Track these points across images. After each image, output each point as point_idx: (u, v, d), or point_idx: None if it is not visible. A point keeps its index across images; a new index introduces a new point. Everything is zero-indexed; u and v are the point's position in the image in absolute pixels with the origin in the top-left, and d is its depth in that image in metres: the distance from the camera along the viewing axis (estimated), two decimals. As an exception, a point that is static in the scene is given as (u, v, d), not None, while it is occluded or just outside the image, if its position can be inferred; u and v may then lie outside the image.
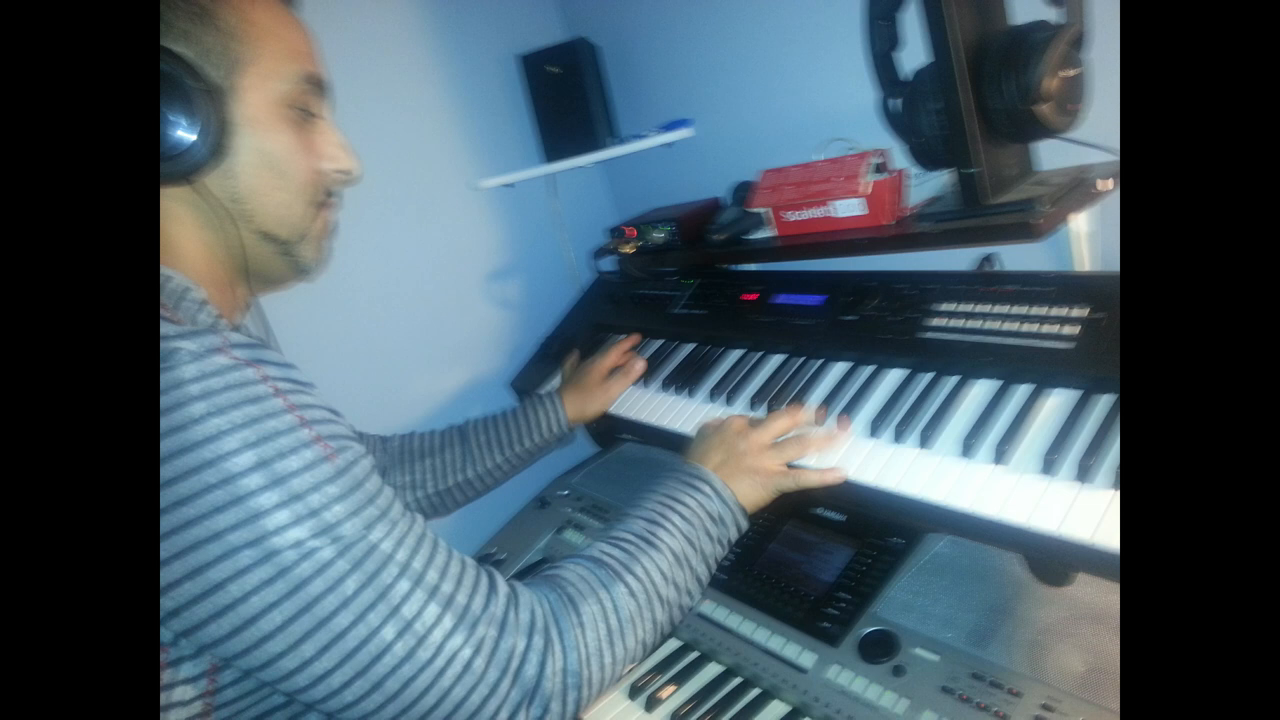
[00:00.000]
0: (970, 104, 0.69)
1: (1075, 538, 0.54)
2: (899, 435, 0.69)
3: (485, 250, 1.32)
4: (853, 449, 0.71)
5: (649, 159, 1.33)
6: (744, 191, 1.01)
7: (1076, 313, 0.67)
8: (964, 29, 0.68)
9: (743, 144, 1.19)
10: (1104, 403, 0.62)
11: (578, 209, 1.42)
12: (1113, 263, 0.81)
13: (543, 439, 0.94)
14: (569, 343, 1.13)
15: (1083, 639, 0.67)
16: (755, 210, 0.95)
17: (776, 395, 0.81)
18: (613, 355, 1.00)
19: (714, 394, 0.88)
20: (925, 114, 0.75)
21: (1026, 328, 0.69)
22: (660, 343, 1.04)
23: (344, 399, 0.62)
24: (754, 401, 0.83)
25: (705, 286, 1.06)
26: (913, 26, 0.73)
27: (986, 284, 0.76)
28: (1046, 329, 0.68)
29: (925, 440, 0.67)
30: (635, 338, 1.06)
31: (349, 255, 0.98)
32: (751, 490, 0.69)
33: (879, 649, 0.74)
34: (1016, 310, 0.71)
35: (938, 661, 0.70)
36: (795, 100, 1.08)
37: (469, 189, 1.27)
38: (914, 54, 0.75)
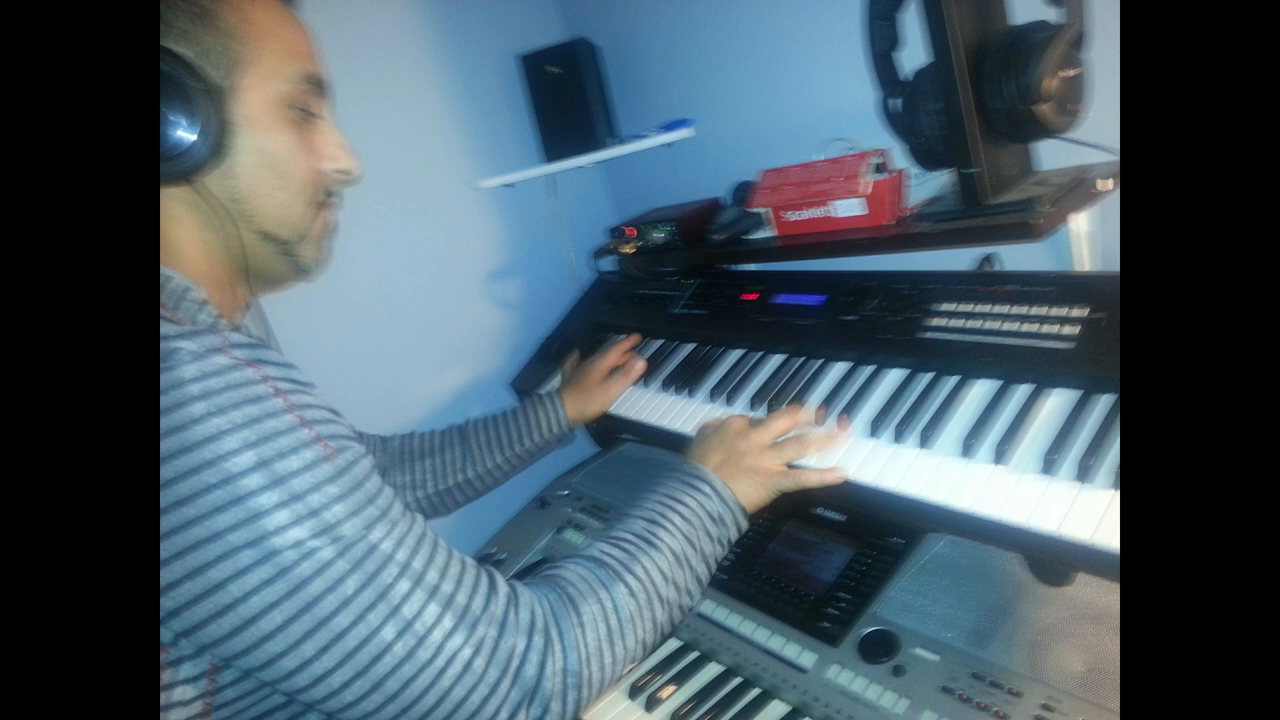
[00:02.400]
0: (970, 104, 0.70)
1: (1075, 538, 0.54)
2: (899, 435, 0.69)
3: (485, 250, 1.32)
4: (853, 449, 0.71)
5: (649, 159, 1.33)
6: (744, 191, 1.01)
7: (1076, 313, 0.67)
8: (964, 29, 0.68)
9: (743, 144, 1.19)
10: (1104, 403, 0.62)
11: (578, 209, 1.42)
12: (1113, 263, 0.81)
13: (543, 439, 0.94)
14: (569, 343, 1.13)
15: (1083, 639, 0.67)
16: (755, 210, 0.95)
17: (776, 395, 0.81)
18: (613, 355, 1.00)
19: (714, 394, 0.88)
20: (925, 114, 0.75)
21: (1026, 328, 0.69)
22: (660, 343, 1.04)
23: (344, 399, 0.62)
24: (754, 401, 0.83)
25: (705, 286, 1.06)
26: (913, 26, 0.73)
27: (986, 284, 0.76)
28: (1046, 329, 0.68)
29: (925, 440, 0.67)
30: (635, 338, 1.06)
31: (349, 255, 0.98)
32: (751, 490, 0.69)
33: (879, 649, 0.74)
34: (1016, 310, 0.71)
35: (938, 661, 0.70)
36: (795, 100, 1.08)
37: (469, 189, 1.27)
38: (914, 54, 0.75)
